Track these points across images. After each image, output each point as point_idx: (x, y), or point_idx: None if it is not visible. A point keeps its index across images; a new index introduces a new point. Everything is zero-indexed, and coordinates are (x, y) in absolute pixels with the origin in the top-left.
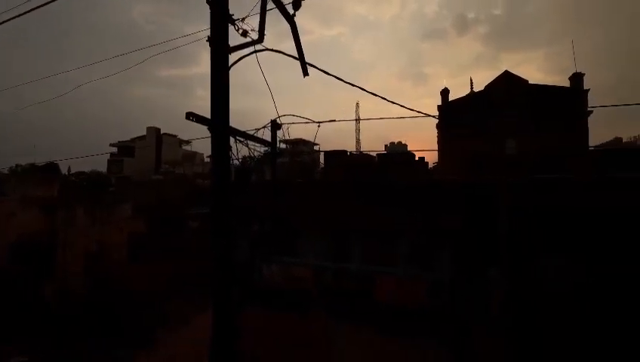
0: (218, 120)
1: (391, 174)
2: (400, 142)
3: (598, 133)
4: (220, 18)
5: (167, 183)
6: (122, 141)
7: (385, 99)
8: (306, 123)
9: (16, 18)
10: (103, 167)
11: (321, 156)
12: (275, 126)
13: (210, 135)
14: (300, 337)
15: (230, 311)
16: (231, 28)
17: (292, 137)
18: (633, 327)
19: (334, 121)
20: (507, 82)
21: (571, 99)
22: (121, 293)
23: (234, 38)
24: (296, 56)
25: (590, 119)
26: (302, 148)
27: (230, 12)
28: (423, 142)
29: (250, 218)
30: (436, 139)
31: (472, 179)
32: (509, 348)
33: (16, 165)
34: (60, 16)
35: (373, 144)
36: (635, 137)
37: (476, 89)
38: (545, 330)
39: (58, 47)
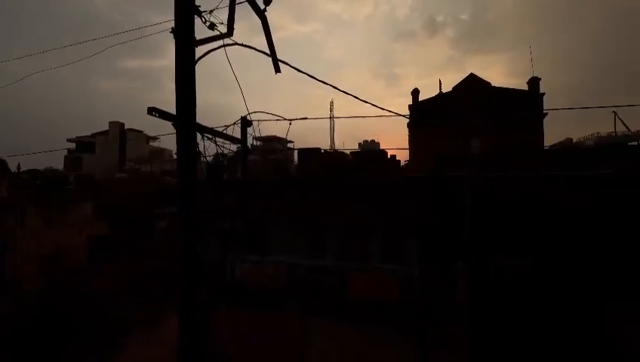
0: (184, 115)
1: (364, 172)
2: (373, 141)
3: (556, 133)
4: (186, 8)
5: (132, 181)
6: (81, 136)
7: (357, 98)
8: (278, 120)
9: None
10: (59, 164)
11: (296, 154)
12: (245, 123)
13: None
14: (274, 335)
15: (198, 311)
16: (198, 20)
17: (265, 134)
18: (580, 312)
19: (306, 118)
20: (472, 84)
21: (529, 101)
22: (82, 298)
23: (201, 31)
24: (268, 52)
25: (545, 120)
26: (276, 145)
27: (197, 3)
28: (396, 140)
29: (222, 216)
30: (407, 137)
31: (439, 177)
32: (467, 333)
33: None
34: (12, 1)
35: (348, 142)
36: (584, 138)
37: (445, 90)
38: (501, 317)
39: (6, 36)
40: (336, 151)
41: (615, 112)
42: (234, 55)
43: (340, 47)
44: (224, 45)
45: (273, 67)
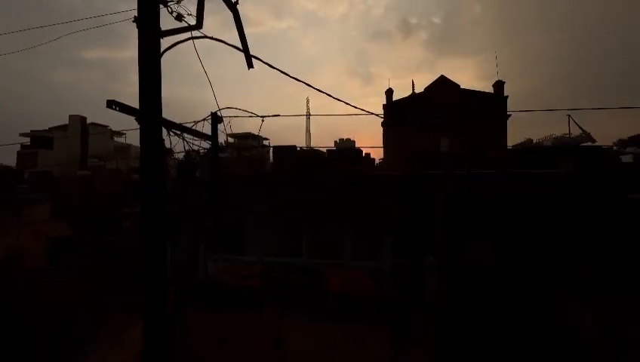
0: (148, 110)
1: (339, 170)
2: (349, 139)
3: (518, 134)
4: None
5: (96, 179)
6: (37, 130)
7: (331, 96)
8: (250, 117)
9: None
10: (12, 161)
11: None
12: (216, 119)
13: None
14: (250, 334)
15: (164, 312)
16: (165, 10)
17: (241, 131)
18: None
19: (278, 115)
20: (442, 86)
21: (494, 103)
22: (40, 304)
23: (168, 21)
24: (240, 46)
25: (509, 122)
26: (251, 142)
27: None
28: (371, 138)
29: (194, 215)
30: (382, 136)
31: (411, 174)
32: (437, 324)
33: None
34: None
35: (324, 140)
36: (543, 138)
37: (417, 90)
38: (468, 308)
39: None
40: (312, 148)
41: (569, 115)
42: (209, 50)
43: (316, 44)
44: (192, 38)
45: (246, 62)
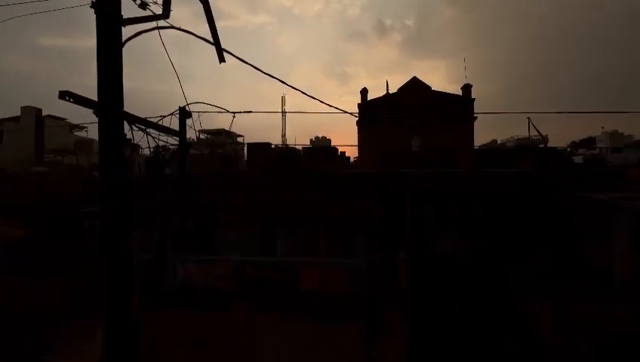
0: (107, 102)
1: (314, 167)
2: (324, 137)
3: (484, 135)
4: None
5: (54, 176)
6: None
7: (306, 94)
8: (220, 112)
9: None
10: None
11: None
12: (184, 114)
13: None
14: (222, 334)
15: (127, 315)
16: None
17: (213, 128)
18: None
19: (250, 112)
20: (415, 87)
21: (462, 105)
22: None
23: (132, 10)
24: (211, 40)
25: (476, 123)
26: (224, 139)
27: None
28: (347, 137)
29: (162, 214)
30: (357, 135)
31: (384, 172)
32: (408, 318)
33: None
34: None
35: (300, 138)
36: (506, 140)
37: (391, 90)
38: (438, 302)
39: None
40: (287, 146)
41: (529, 118)
42: (187, 44)
43: (292, 41)
44: (158, 27)
45: (217, 56)
